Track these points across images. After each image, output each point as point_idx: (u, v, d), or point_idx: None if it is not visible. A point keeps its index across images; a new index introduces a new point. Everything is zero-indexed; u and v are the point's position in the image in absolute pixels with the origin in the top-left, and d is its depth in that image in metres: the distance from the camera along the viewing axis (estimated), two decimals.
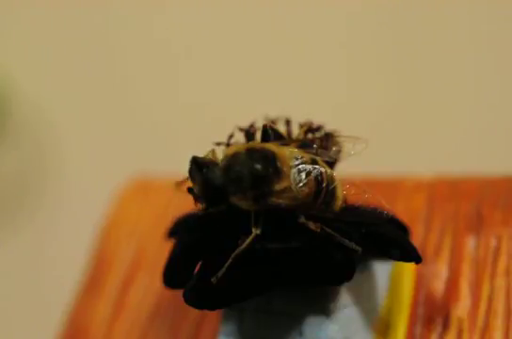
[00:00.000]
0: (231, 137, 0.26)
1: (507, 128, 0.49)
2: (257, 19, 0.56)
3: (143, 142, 0.55)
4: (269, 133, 0.26)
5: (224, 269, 0.24)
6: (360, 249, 0.24)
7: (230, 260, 0.24)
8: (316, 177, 0.24)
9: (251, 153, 0.24)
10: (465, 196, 0.30)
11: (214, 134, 0.27)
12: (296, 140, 0.26)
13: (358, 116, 0.50)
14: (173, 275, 0.26)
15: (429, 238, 0.29)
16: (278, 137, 0.26)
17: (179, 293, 0.25)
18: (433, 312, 0.27)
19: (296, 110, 0.28)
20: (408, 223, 0.28)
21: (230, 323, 0.26)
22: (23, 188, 0.57)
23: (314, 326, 0.25)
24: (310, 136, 0.27)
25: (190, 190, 0.24)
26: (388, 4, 0.53)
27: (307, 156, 0.25)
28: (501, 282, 0.27)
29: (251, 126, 0.27)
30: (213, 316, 0.29)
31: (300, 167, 0.24)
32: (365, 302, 0.27)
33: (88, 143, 0.57)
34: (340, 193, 0.25)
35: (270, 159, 0.24)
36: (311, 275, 0.24)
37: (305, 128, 0.27)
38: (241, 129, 0.27)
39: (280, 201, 0.24)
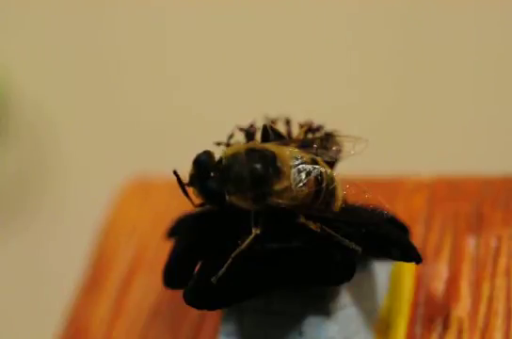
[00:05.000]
0: (231, 137, 0.26)
1: (507, 128, 0.49)
2: (258, 18, 0.56)
3: (143, 142, 0.55)
4: (269, 133, 0.26)
5: (224, 269, 0.24)
6: (360, 249, 0.24)
7: (230, 260, 0.24)
8: (316, 177, 0.24)
9: (251, 153, 0.24)
10: (465, 196, 0.30)
11: (214, 134, 0.27)
12: (296, 140, 0.26)
13: (358, 116, 0.50)
14: (173, 275, 0.26)
15: (429, 238, 0.29)
16: (278, 137, 0.26)
17: (179, 293, 0.25)
18: (433, 312, 0.27)
19: (296, 110, 0.28)
20: (408, 223, 0.28)
21: (230, 323, 0.26)
22: (23, 188, 0.57)
23: (314, 326, 0.25)
24: (310, 136, 0.27)
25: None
26: (388, 5, 0.54)
27: (307, 156, 0.25)
28: (501, 282, 0.27)
29: (251, 126, 0.27)
30: (213, 316, 0.29)
31: (300, 167, 0.24)
32: (365, 302, 0.27)
33: (88, 143, 0.57)
34: (340, 193, 0.25)
35: (270, 159, 0.24)
36: (311, 275, 0.24)
37: (305, 128, 0.27)
38: (241, 129, 0.27)
39: (280, 200, 0.24)
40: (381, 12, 0.54)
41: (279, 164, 0.24)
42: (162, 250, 0.29)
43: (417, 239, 0.29)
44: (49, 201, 0.57)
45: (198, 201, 0.25)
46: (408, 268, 0.28)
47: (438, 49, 0.52)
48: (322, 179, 0.24)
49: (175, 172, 0.24)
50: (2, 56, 0.58)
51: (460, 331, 0.27)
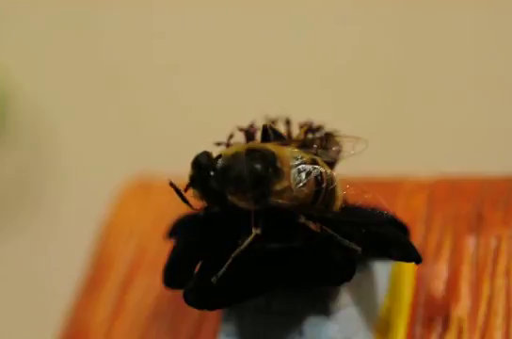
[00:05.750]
0: (231, 137, 0.26)
1: (507, 128, 0.49)
2: (258, 18, 0.56)
3: (143, 142, 0.55)
4: (269, 133, 0.26)
5: (224, 269, 0.24)
6: (359, 249, 0.24)
7: (230, 260, 0.24)
8: (316, 177, 0.24)
9: (251, 153, 0.24)
10: (465, 196, 0.30)
11: (214, 134, 0.27)
12: (296, 140, 0.26)
13: (358, 116, 0.50)
14: (173, 275, 0.26)
15: (429, 238, 0.29)
16: (278, 137, 0.26)
17: (179, 293, 0.25)
18: (433, 312, 0.27)
19: (295, 110, 0.28)
20: (408, 223, 0.28)
21: (230, 323, 0.26)
22: (23, 188, 0.57)
23: (314, 326, 0.25)
24: (310, 136, 0.27)
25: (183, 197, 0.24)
26: (387, 5, 0.54)
27: (307, 156, 0.25)
28: (501, 282, 0.27)
29: (251, 126, 0.27)
30: (213, 316, 0.29)
31: (300, 167, 0.24)
32: (365, 302, 0.27)
33: (88, 143, 0.57)
34: (339, 193, 0.25)
35: (270, 159, 0.24)
36: (311, 275, 0.24)
37: (305, 128, 0.27)
38: (241, 129, 0.27)
39: (280, 201, 0.24)
40: (380, 12, 0.54)
41: (279, 164, 0.24)
42: (162, 250, 0.29)
43: (417, 239, 0.29)
44: (49, 201, 0.57)
45: (198, 204, 0.25)
46: (408, 268, 0.28)
47: (438, 50, 0.52)
48: (322, 179, 0.24)
49: (171, 184, 0.24)
50: (2, 56, 0.58)
51: (460, 331, 0.27)
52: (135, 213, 0.35)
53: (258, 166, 0.24)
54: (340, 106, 0.51)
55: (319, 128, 0.27)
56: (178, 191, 0.24)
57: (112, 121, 0.57)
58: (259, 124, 0.27)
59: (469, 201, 0.30)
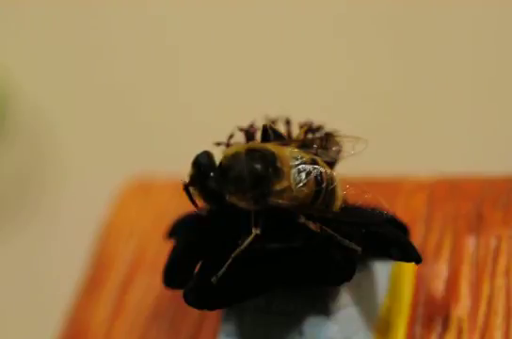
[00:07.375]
0: (231, 137, 0.26)
1: (507, 128, 0.49)
2: (257, 18, 0.56)
3: (143, 142, 0.55)
4: (269, 133, 0.26)
5: (224, 269, 0.24)
6: (360, 249, 0.24)
7: (230, 260, 0.24)
8: (316, 177, 0.24)
9: (251, 153, 0.24)
10: (465, 196, 0.30)
11: (214, 134, 0.27)
12: (296, 140, 0.26)
13: (358, 116, 0.50)
14: (173, 275, 0.26)
15: (429, 238, 0.29)
16: (278, 137, 0.26)
17: (179, 293, 0.25)
18: (433, 312, 0.27)
19: (296, 110, 0.28)
20: (408, 223, 0.28)
21: (230, 323, 0.26)
22: (23, 188, 0.57)
23: (314, 326, 0.25)
24: (310, 136, 0.27)
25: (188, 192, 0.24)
26: (388, 4, 0.54)
27: (307, 156, 0.25)
28: (501, 281, 0.27)
29: (251, 126, 0.27)
30: (213, 316, 0.29)
31: (300, 167, 0.24)
32: (365, 302, 0.27)
33: (88, 143, 0.57)
34: (339, 193, 0.25)
35: (270, 159, 0.24)
36: (311, 275, 0.24)
37: (305, 128, 0.27)
38: (241, 129, 0.27)
39: (280, 201, 0.24)
40: (381, 16, 0.54)
41: (278, 164, 0.24)
42: (162, 250, 0.29)
43: (417, 239, 0.29)
44: (49, 201, 0.57)
45: (202, 204, 0.25)
46: (408, 268, 0.28)
47: (437, 50, 0.52)
48: (322, 179, 0.24)
49: (184, 183, 0.24)
50: (2, 56, 0.58)
51: (460, 331, 0.27)
52: (135, 213, 0.35)
53: (258, 166, 0.24)
54: (340, 106, 0.51)
55: (319, 128, 0.27)
56: (187, 191, 0.24)
57: (112, 121, 0.57)
58: (259, 124, 0.27)
59: (469, 201, 0.30)
